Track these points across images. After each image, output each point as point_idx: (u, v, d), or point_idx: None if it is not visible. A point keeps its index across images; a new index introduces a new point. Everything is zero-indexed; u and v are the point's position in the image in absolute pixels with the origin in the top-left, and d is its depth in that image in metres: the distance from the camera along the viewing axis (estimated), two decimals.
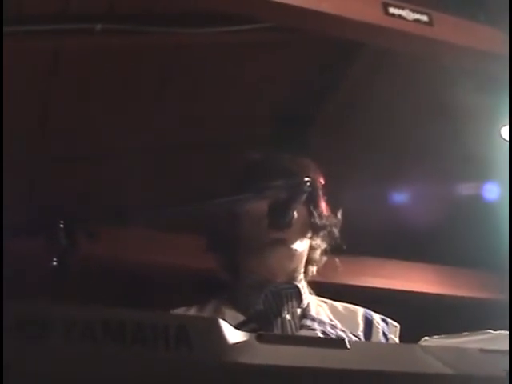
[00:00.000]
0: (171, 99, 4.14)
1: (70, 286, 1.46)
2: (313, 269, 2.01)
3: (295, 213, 1.83)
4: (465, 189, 4.85)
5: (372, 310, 2.01)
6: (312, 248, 1.98)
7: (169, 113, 4.22)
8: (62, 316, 0.99)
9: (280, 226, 1.82)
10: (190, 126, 4.34)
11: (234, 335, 1.03)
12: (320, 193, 1.94)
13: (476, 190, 4.81)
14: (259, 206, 1.83)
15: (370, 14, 3.08)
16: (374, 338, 1.88)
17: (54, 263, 1.49)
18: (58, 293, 1.49)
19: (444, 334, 1.25)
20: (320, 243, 1.99)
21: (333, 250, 2.03)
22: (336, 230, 1.99)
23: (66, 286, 1.48)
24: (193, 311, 1.91)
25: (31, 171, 4.27)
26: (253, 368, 0.99)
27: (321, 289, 2.03)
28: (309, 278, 2.01)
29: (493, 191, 4.76)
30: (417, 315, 4.16)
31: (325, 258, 2.03)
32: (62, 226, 1.53)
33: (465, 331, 1.25)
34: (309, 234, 1.95)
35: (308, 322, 1.87)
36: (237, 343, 1.02)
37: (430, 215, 4.82)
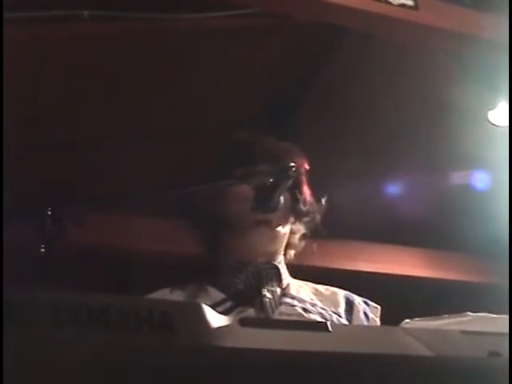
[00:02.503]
0: (158, 85, 4.13)
1: (57, 272, 1.47)
2: (291, 252, 2.04)
3: (281, 197, 1.85)
4: (454, 176, 4.87)
5: (358, 294, 2.04)
6: (292, 232, 2.01)
7: (156, 99, 4.22)
8: (47, 302, 1.00)
9: (266, 210, 1.84)
10: (177, 112, 4.33)
11: (217, 320, 1.04)
12: (304, 178, 1.96)
13: (466, 177, 4.83)
14: (244, 188, 1.86)
15: None
16: (354, 317, 1.92)
17: (42, 250, 1.50)
18: (45, 279, 1.50)
19: (430, 316, 1.27)
20: (300, 228, 2.01)
21: (321, 235, 2.05)
22: (318, 217, 2.02)
23: (53, 273, 1.49)
24: (175, 293, 1.93)
25: (19, 158, 4.26)
26: (235, 352, 1.01)
27: (309, 273, 2.05)
28: (289, 262, 2.03)
29: (482, 177, 4.78)
30: (403, 299, 4.18)
31: (303, 243, 2.05)
32: (49, 213, 1.54)
33: (450, 314, 1.26)
34: (291, 219, 1.97)
35: (288, 300, 1.91)
36: (220, 327, 1.03)
37: (418, 200, 4.85)
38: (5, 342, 0.94)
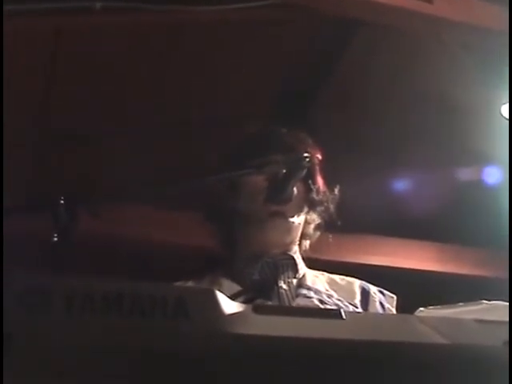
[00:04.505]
0: (171, 76, 4.13)
1: (70, 262, 1.47)
2: (306, 243, 2.03)
3: (295, 188, 1.85)
4: (466, 170, 4.85)
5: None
6: (307, 222, 2.00)
7: (169, 90, 4.21)
8: (62, 288, 1.00)
9: (279, 201, 1.84)
10: (190, 102, 4.33)
11: (230, 306, 1.04)
12: (317, 168, 1.96)
13: (478, 171, 4.82)
14: (258, 180, 1.85)
15: None
16: (370, 308, 1.91)
17: (55, 239, 1.50)
18: (58, 268, 1.50)
19: None
20: (315, 218, 2.01)
21: (334, 228, 2.04)
22: (332, 206, 2.01)
23: (66, 263, 1.49)
24: (190, 285, 1.92)
25: (32, 150, 4.27)
26: (249, 338, 1.01)
27: (321, 266, 2.04)
28: (304, 253, 2.03)
29: (495, 172, 4.76)
30: (415, 293, 4.17)
31: (318, 233, 2.05)
32: (62, 202, 1.53)
33: None
34: (305, 209, 1.97)
35: (304, 291, 1.89)
36: (233, 314, 1.03)
37: (431, 195, 4.83)
38: (19, 329, 0.94)
